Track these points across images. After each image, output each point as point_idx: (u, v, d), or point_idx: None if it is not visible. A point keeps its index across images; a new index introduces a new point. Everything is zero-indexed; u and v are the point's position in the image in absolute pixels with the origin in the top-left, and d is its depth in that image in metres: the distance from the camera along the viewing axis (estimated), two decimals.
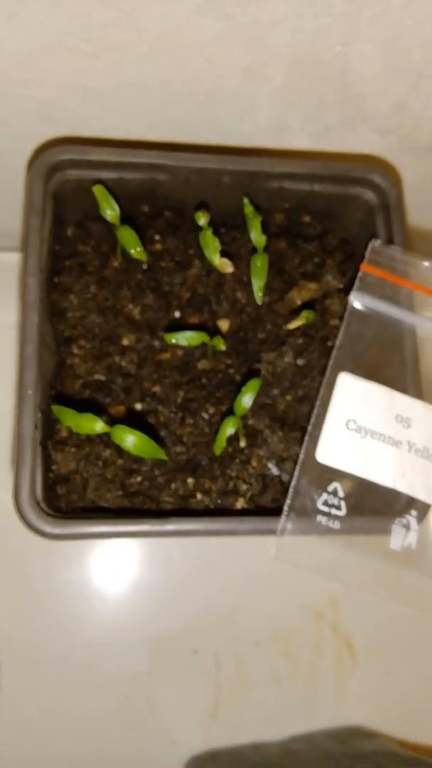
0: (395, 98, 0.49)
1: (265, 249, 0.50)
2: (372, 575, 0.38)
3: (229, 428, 0.42)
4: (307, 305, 0.50)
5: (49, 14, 0.41)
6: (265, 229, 0.52)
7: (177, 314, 0.50)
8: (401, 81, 0.47)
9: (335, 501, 0.39)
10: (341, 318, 0.44)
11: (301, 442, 0.43)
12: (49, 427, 0.44)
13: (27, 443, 0.39)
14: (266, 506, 0.44)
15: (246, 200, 0.46)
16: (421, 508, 0.40)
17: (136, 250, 0.45)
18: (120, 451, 0.44)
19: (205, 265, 0.49)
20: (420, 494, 0.39)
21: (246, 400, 0.42)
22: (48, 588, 0.59)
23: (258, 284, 0.45)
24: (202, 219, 0.45)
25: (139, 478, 0.44)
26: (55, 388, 0.46)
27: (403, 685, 0.62)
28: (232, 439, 0.46)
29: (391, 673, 0.62)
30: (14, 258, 0.57)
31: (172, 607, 0.60)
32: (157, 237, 0.51)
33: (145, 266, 0.50)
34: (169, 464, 0.45)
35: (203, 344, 0.46)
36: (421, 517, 0.39)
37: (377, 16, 0.42)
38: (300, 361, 0.49)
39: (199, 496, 0.44)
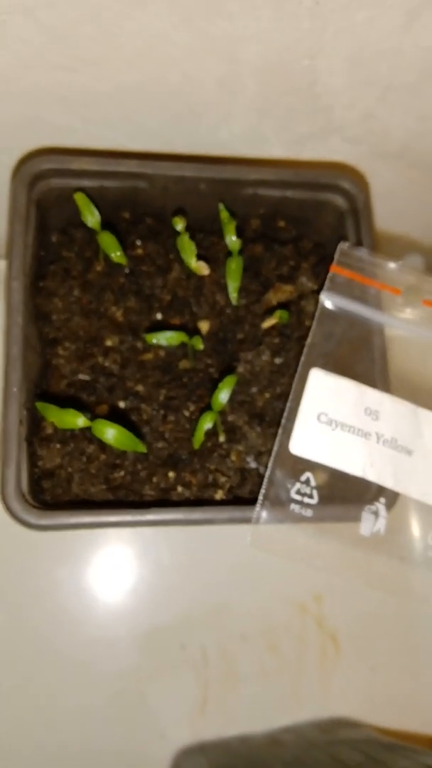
0: (363, 109, 0.51)
1: (243, 253, 0.52)
2: (343, 560, 0.40)
3: (206, 423, 0.43)
4: (283, 306, 0.52)
5: (32, 32, 0.43)
6: (242, 233, 0.54)
7: (159, 316, 0.52)
8: (368, 92, 0.49)
9: (308, 490, 0.41)
10: None
11: None
12: (34, 425, 0.46)
13: (12, 439, 0.41)
14: (244, 497, 0.46)
15: (221, 206, 0.48)
16: (390, 496, 0.41)
17: (116, 255, 0.47)
18: (103, 446, 0.46)
19: (185, 268, 0.51)
20: (388, 483, 0.41)
21: (222, 395, 0.44)
22: (37, 585, 0.60)
23: (233, 285, 0.47)
24: (180, 224, 0.47)
25: (122, 473, 0.46)
26: (41, 388, 0.48)
27: (386, 677, 0.63)
28: (212, 435, 0.48)
29: (375, 665, 0.63)
30: (0, 265, 0.58)
31: (161, 603, 0.62)
32: (139, 242, 0.53)
33: (127, 270, 0.52)
34: (151, 459, 0.47)
35: (183, 344, 0.48)
36: (389, 505, 0.41)
37: (342, 31, 0.44)
38: (277, 360, 0.51)
39: (179, 488, 0.45)
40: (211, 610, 0.62)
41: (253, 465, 0.47)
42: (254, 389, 0.50)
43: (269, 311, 0.52)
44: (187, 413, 0.49)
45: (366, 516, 0.41)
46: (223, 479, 0.45)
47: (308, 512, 0.40)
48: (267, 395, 0.50)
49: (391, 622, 0.64)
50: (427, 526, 0.41)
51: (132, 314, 0.51)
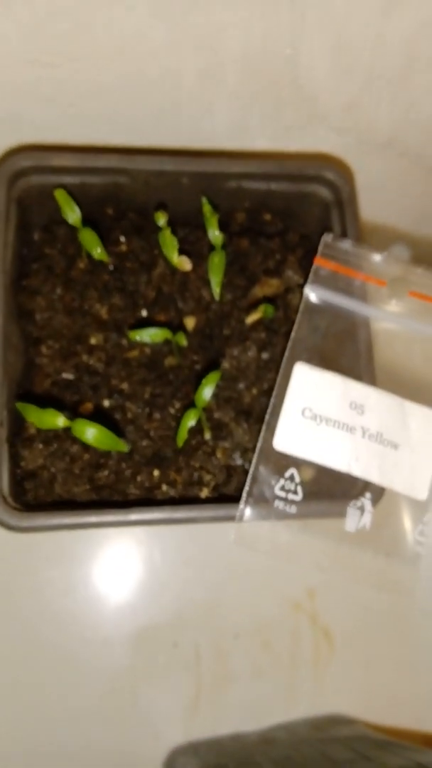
0: (348, 98, 0.50)
1: (228, 247, 0.52)
2: (328, 557, 0.39)
3: (190, 420, 0.43)
4: (270, 300, 0.51)
5: (8, 28, 0.42)
6: (227, 227, 0.54)
7: (144, 313, 0.51)
8: (352, 81, 0.49)
9: (292, 486, 0.40)
10: None
11: None
12: (17, 425, 0.45)
13: None
14: (230, 495, 0.45)
15: (204, 200, 0.48)
16: (376, 491, 0.41)
17: (98, 252, 0.46)
18: (87, 446, 0.45)
19: (170, 264, 0.51)
20: (374, 477, 0.40)
21: (206, 392, 0.43)
22: (28, 585, 0.60)
23: (215, 280, 0.47)
24: (161, 219, 0.46)
25: (106, 472, 0.45)
26: (24, 388, 0.48)
27: (380, 673, 0.63)
28: (197, 432, 0.47)
29: (368, 661, 0.63)
30: None
31: (153, 601, 0.61)
32: (122, 238, 0.52)
33: (111, 267, 0.51)
34: (136, 458, 0.46)
35: (169, 341, 0.48)
36: (375, 500, 0.40)
37: (322, 20, 0.43)
38: (264, 355, 0.50)
39: (164, 487, 0.45)
40: (203, 608, 0.62)
41: (239, 462, 0.47)
42: (241, 385, 0.49)
43: (256, 306, 0.51)
44: (172, 411, 0.48)
45: (351, 511, 0.40)
46: (208, 477, 0.45)
47: (292, 509, 0.40)
48: (254, 391, 0.49)
49: (385, 618, 0.64)
50: (413, 521, 0.41)
51: (116, 311, 0.51)
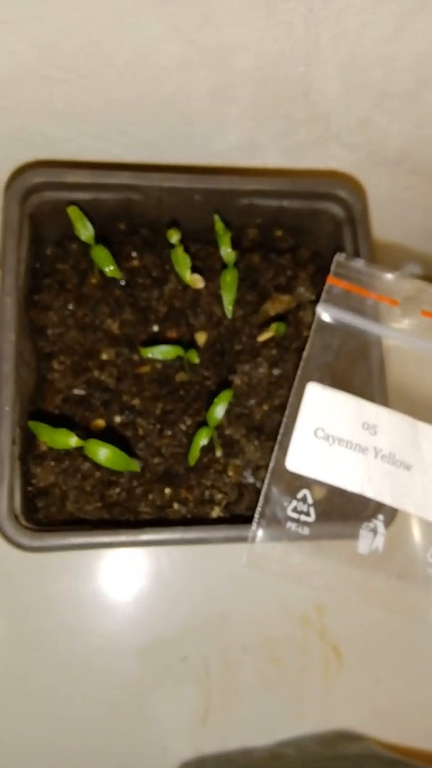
0: (360, 115, 0.50)
1: (240, 262, 0.52)
2: (341, 579, 0.39)
3: (202, 439, 0.43)
4: (281, 317, 0.51)
5: (21, 45, 0.42)
6: (239, 243, 0.54)
7: (155, 328, 0.51)
8: (364, 99, 0.49)
9: (304, 507, 0.40)
10: None
11: None
12: (29, 442, 0.45)
13: (5, 459, 0.40)
14: (241, 514, 0.45)
15: (216, 218, 0.48)
16: (388, 513, 0.41)
17: (110, 269, 0.46)
18: (98, 463, 0.45)
19: (181, 280, 0.51)
20: (386, 499, 0.40)
21: (218, 411, 0.43)
22: (37, 598, 0.60)
23: (228, 298, 0.47)
24: (174, 237, 0.46)
25: (117, 490, 0.45)
26: (36, 404, 0.48)
27: (389, 689, 0.63)
28: (209, 449, 0.47)
29: (378, 676, 0.63)
30: None
31: (161, 614, 0.61)
32: (134, 254, 0.52)
33: (122, 282, 0.51)
34: (147, 475, 0.46)
35: (180, 357, 0.48)
36: (388, 521, 0.40)
37: (336, 39, 0.43)
38: (275, 371, 0.50)
39: (176, 505, 0.45)
40: (212, 622, 0.62)
41: (250, 480, 0.46)
42: (252, 401, 0.49)
43: (267, 322, 0.51)
44: (183, 427, 0.48)
45: (364, 533, 0.40)
46: (219, 496, 0.45)
47: (305, 530, 0.40)
48: (265, 407, 0.49)
49: (394, 633, 0.64)
50: (426, 543, 0.41)
51: (128, 327, 0.51)
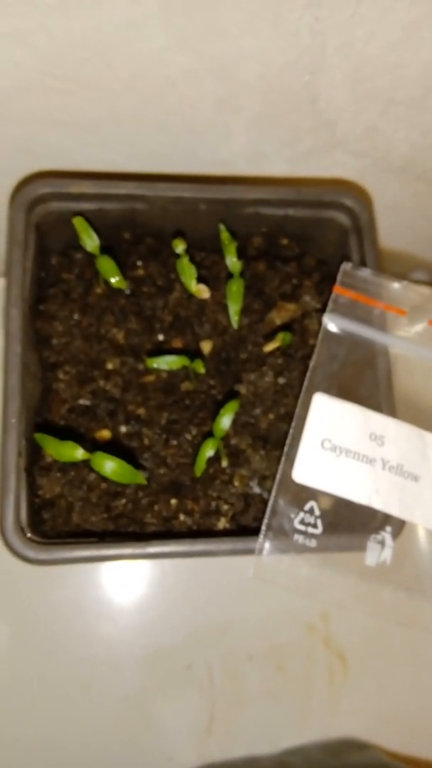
0: (366, 123, 0.50)
1: (245, 271, 0.51)
2: (348, 592, 0.39)
3: (208, 450, 0.43)
4: (287, 325, 0.51)
5: (26, 56, 0.42)
6: (244, 251, 0.53)
7: (160, 337, 0.51)
8: (371, 107, 0.48)
9: (311, 519, 0.40)
10: None
11: None
12: (35, 453, 0.45)
13: (11, 471, 0.40)
14: (248, 525, 0.45)
15: (222, 227, 0.48)
16: (396, 524, 0.40)
17: (115, 279, 0.46)
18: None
19: (186, 289, 0.51)
20: (394, 510, 0.40)
21: (224, 422, 0.43)
22: (40, 606, 0.60)
23: (234, 308, 0.46)
24: (180, 247, 0.46)
25: (123, 501, 0.45)
26: (42, 414, 0.48)
27: (395, 697, 0.62)
28: (215, 460, 0.47)
29: (383, 685, 0.62)
30: (2, 283, 0.58)
31: (166, 623, 0.61)
32: (139, 263, 0.52)
33: (128, 292, 0.51)
34: (153, 486, 0.46)
35: (185, 366, 0.47)
36: (396, 533, 0.40)
37: (342, 47, 0.43)
38: (281, 380, 0.50)
39: (182, 517, 0.45)
40: (216, 629, 0.62)
41: (256, 490, 0.46)
42: (258, 411, 0.49)
43: (272, 331, 0.51)
44: (189, 437, 0.48)
45: (371, 545, 0.40)
46: (225, 507, 0.45)
47: (312, 542, 0.39)
48: (271, 416, 0.49)
49: (400, 641, 0.63)
50: None
51: (133, 336, 0.50)
